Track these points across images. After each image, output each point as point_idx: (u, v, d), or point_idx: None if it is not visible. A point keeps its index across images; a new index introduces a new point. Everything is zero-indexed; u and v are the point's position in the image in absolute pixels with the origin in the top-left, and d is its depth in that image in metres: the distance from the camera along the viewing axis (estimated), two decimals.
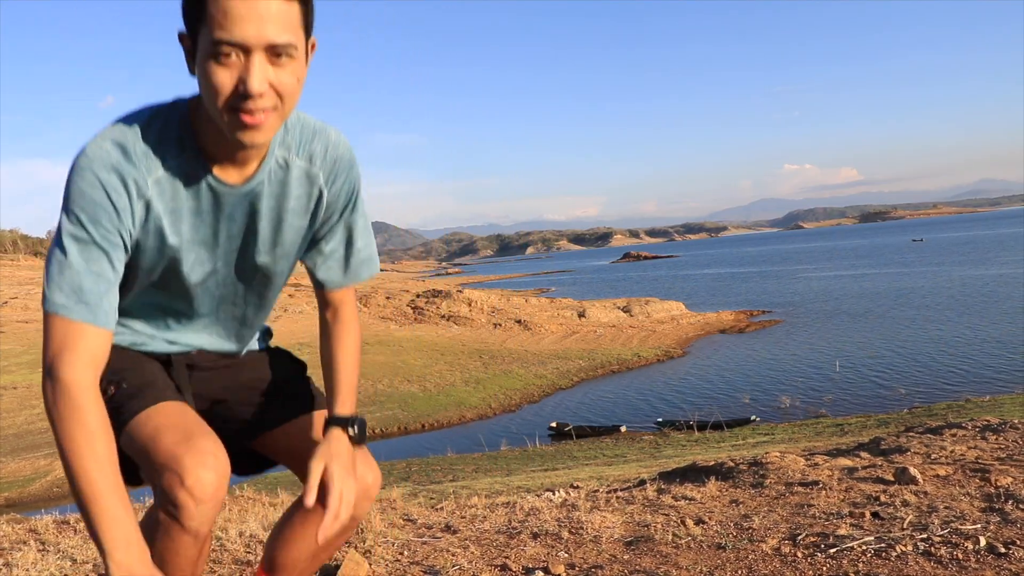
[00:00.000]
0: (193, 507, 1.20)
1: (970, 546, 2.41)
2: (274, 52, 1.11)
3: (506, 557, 2.71)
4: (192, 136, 1.23)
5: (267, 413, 1.54)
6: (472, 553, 2.80)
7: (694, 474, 4.41)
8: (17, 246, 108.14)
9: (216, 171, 1.25)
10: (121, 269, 1.22)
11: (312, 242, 1.44)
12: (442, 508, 4.10)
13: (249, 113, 1.12)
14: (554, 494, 4.09)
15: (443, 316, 52.75)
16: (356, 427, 1.43)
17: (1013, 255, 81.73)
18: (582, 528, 3.01)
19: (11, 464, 24.90)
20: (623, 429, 25.75)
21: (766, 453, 4.41)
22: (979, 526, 2.59)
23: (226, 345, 1.51)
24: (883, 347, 35.35)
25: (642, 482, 4.65)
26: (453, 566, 2.63)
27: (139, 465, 1.28)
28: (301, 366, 1.65)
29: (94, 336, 1.17)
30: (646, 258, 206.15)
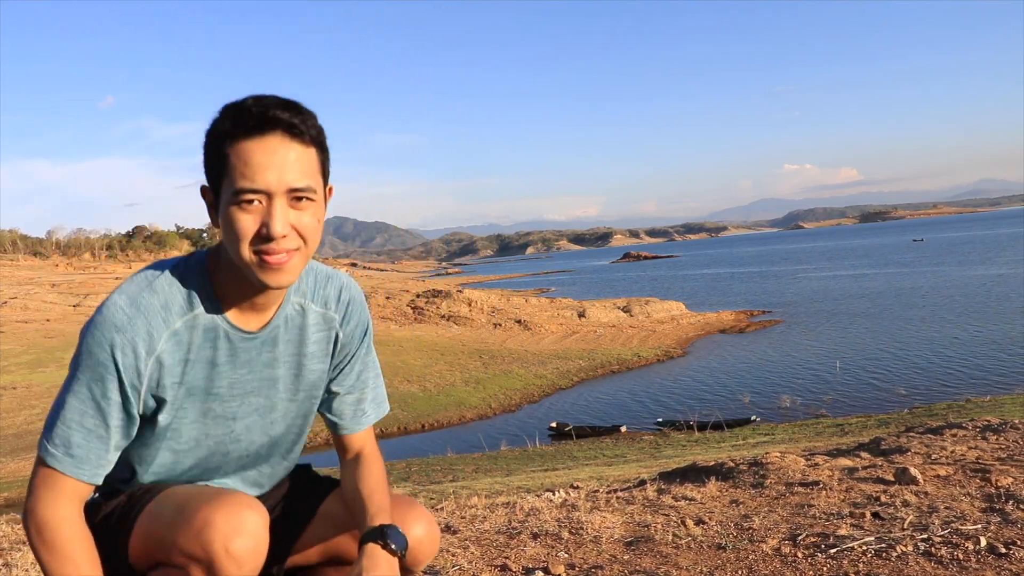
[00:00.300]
0: (235, 571, 1.16)
1: (971, 546, 2.41)
2: (295, 196, 1.16)
3: (506, 557, 2.70)
4: (210, 286, 1.26)
5: (288, 530, 1.48)
6: (472, 553, 2.79)
7: (694, 474, 4.40)
8: (17, 246, 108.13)
9: (233, 319, 1.27)
10: (118, 426, 1.22)
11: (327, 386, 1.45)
12: (442, 508, 4.10)
13: (273, 255, 1.16)
14: (554, 494, 4.09)
15: (443, 316, 52.75)
16: (388, 536, 1.34)
17: (1013, 255, 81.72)
18: (582, 528, 3.01)
19: (11, 464, 24.90)
20: (623, 429, 25.74)
21: (766, 453, 4.40)
22: (979, 526, 2.58)
23: (248, 491, 1.45)
24: (883, 347, 35.33)
25: (642, 482, 4.64)
26: (453, 566, 2.63)
27: (164, 548, 1.21)
28: (306, 468, 1.61)
29: (75, 487, 1.22)
30: (646, 258, 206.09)
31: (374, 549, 1.32)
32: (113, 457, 1.24)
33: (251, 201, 1.14)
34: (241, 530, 1.16)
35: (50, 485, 1.20)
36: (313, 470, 1.60)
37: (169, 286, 1.24)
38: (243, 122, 1.14)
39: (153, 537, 1.23)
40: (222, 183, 1.16)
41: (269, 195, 1.14)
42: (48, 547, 1.17)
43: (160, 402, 1.25)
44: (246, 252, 1.16)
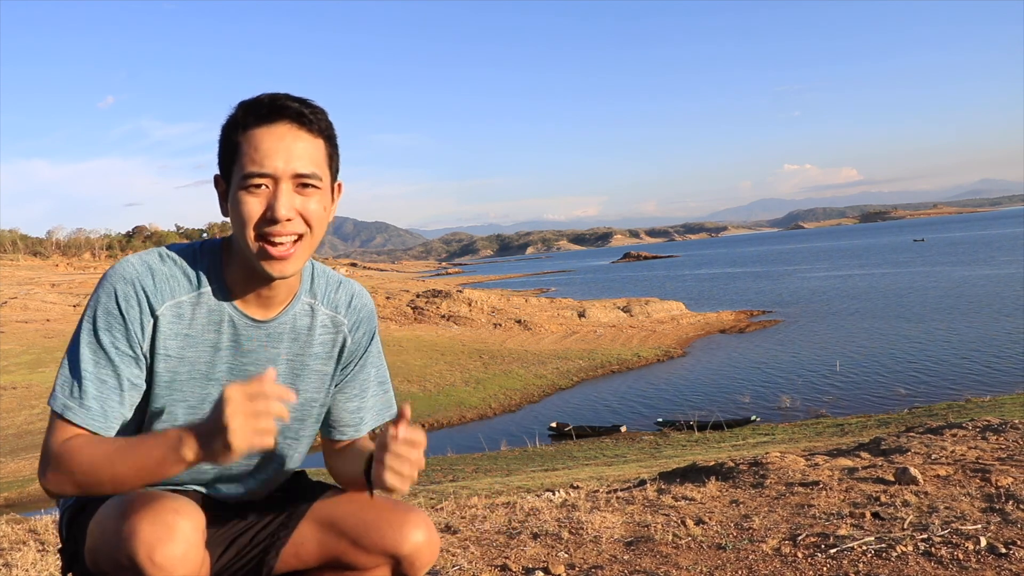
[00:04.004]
0: None
1: (971, 546, 2.41)
2: (300, 183, 1.20)
3: (506, 557, 2.71)
4: (221, 272, 1.28)
5: (278, 535, 1.44)
6: (472, 553, 2.79)
7: (694, 474, 4.40)
8: (17, 246, 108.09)
9: (240, 306, 1.29)
10: (129, 377, 1.23)
11: (332, 392, 1.45)
12: (442, 508, 4.10)
13: (278, 239, 1.19)
14: (554, 494, 4.09)
15: (443, 316, 52.75)
16: None
17: (1013, 255, 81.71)
18: (582, 528, 3.01)
19: (11, 464, 24.89)
20: (623, 429, 25.74)
21: (766, 453, 4.41)
22: (979, 526, 2.59)
23: (240, 497, 1.43)
24: (883, 347, 35.33)
25: (642, 482, 4.64)
26: (453, 566, 2.63)
27: (103, 559, 1.18)
28: (299, 473, 1.57)
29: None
30: (646, 258, 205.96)
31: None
32: (127, 413, 1.24)
33: (258, 185, 1.18)
34: (167, 537, 1.11)
35: (61, 435, 1.18)
36: (306, 476, 1.58)
37: (179, 262, 1.27)
38: (254, 111, 1.19)
39: (95, 547, 1.20)
40: (232, 170, 1.20)
41: (275, 179, 1.18)
42: (70, 461, 1.15)
43: (153, 371, 1.25)
44: (251, 236, 1.19)
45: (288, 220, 1.19)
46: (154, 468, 1.11)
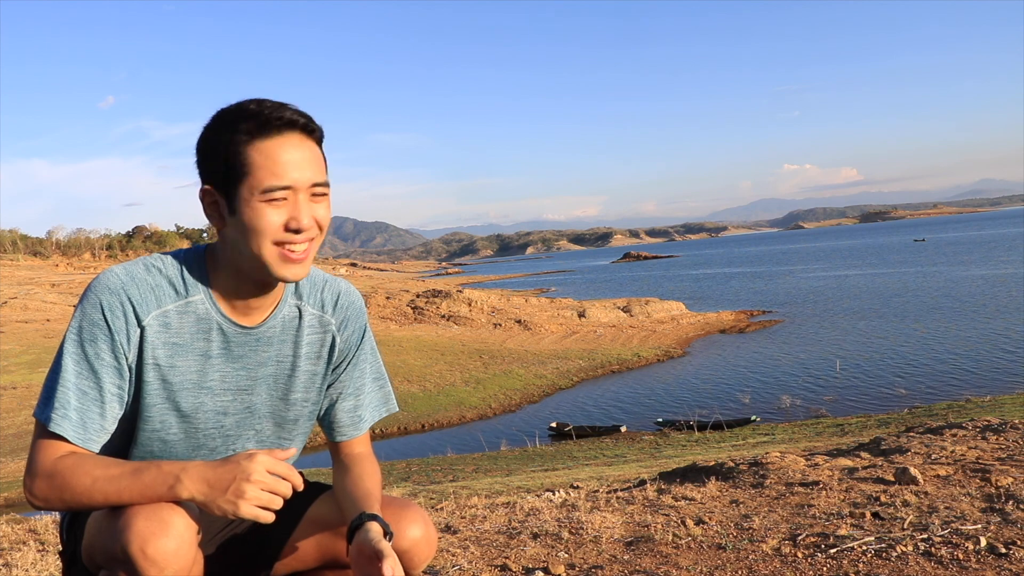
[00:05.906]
0: (156, 573, 1.13)
1: (971, 546, 2.41)
2: (314, 192, 1.24)
3: (506, 557, 2.71)
4: (207, 280, 1.29)
5: (275, 536, 1.45)
6: (472, 553, 2.80)
7: (694, 474, 4.40)
8: (17, 246, 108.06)
9: (228, 313, 1.30)
10: (111, 389, 1.23)
11: (325, 392, 1.46)
12: (442, 508, 4.10)
13: (297, 247, 1.23)
14: (554, 494, 4.09)
15: (443, 316, 52.75)
16: (384, 522, 1.32)
17: (1013, 255, 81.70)
18: (582, 528, 3.01)
19: (11, 464, 24.92)
20: (623, 429, 25.74)
21: (766, 453, 4.41)
22: (980, 526, 2.59)
23: None
24: (883, 347, 35.33)
25: (642, 482, 4.64)
26: (453, 566, 2.63)
27: (98, 552, 1.20)
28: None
29: (71, 451, 1.20)
30: (646, 258, 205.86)
31: (375, 526, 1.29)
32: (109, 427, 1.24)
33: (281, 198, 1.20)
34: (160, 532, 1.12)
35: (48, 449, 1.19)
36: (303, 476, 1.58)
37: (165, 271, 1.28)
38: (261, 122, 1.20)
39: (91, 542, 1.22)
40: (240, 183, 1.20)
41: (295, 191, 1.21)
42: (64, 481, 1.16)
43: (143, 381, 1.25)
44: (267, 247, 1.21)
45: (308, 228, 1.22)
46: (145, 502, 1.15)
